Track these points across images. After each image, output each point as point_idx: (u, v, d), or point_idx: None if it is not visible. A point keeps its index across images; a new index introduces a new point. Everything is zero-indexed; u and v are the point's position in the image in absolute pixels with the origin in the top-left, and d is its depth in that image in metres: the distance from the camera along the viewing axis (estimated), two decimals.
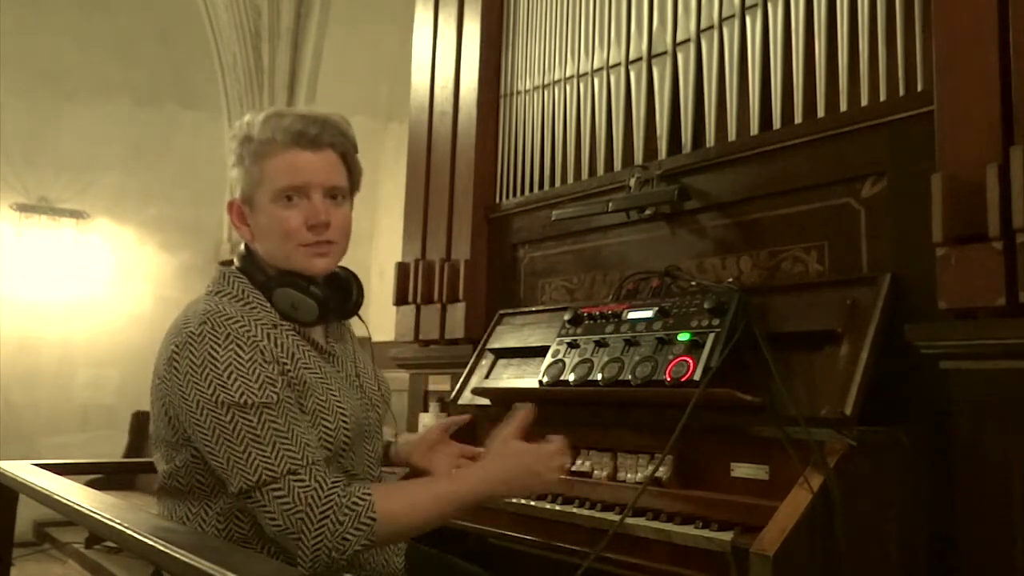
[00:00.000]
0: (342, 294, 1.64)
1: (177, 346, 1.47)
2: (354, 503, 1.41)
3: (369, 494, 1.43)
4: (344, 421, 1.54)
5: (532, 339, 2.24)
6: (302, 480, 1.41)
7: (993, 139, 1.54)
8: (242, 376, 1.42)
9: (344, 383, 1.61)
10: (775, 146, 1.95)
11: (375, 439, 1.68)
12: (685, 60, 2.20)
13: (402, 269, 2.91)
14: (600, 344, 1.93)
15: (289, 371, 1.49)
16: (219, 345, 1.43)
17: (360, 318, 1.73)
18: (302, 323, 1.56)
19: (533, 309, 2.40)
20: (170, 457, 1.54)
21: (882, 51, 1.81)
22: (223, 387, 1.41)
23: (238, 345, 1.44)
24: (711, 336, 1.73)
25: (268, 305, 1.54)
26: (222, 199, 7.45)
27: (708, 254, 2.09)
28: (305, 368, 1.52)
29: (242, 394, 1.41)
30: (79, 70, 6.83)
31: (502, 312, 2.46)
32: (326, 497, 1.40)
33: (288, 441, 1.43)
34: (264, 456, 1.40)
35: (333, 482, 1.43)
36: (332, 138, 1.57)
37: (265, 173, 1.54)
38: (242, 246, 1.64)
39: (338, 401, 1.55)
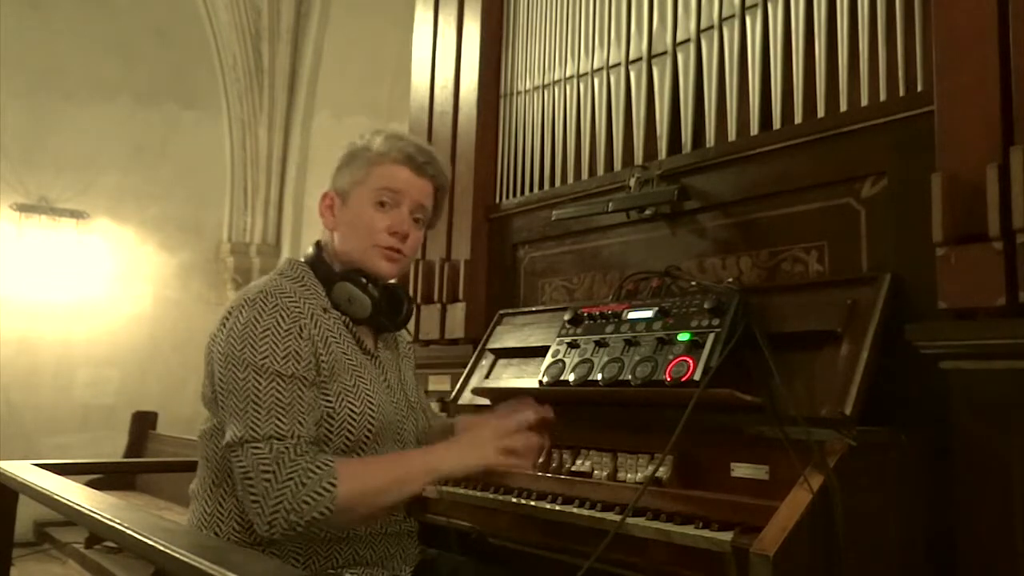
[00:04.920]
0: (395, 306, 1.77)
1: (232, 308, 1.61)
2: (317, 467, 1.47)
3: (331, 461, 1.49)
4: (371, 411, 1.63)
5: (532, 339, 2.24)
6: (285, 446, 1.48)
7: (993, 139, 1.54)
8: (272, 343, 1.54)
9: (381, 382, 1.70)
10: (775, 146, 1.95)
11: (408, 448, 1.74)
12: (685, 60, 2.20)
13: None
14: (600, 344, 1.93)
15: (321, 353, 1.59)
16: (265, 312, 1.56)
17: (407, 330, 1.87)
18: (354, 318, 1.69)
19: (533, 309, 2.40)
20: (210, 417, 1.64)
21: (882, 51, 1.81)
22: (252, 348, 1.53)
23: (281, 316, 1.56)
24: (711, 336, 1.73)
25: (324, 294, 1.67)
26: (222, 199, 7.48)
27: (708, 254, 2.09)
28: (341, 353, 1.63)
29: (264, 358, 1.53)
30: (79, 70, 6.83)
31: (502, 312, 2.46)
32: (293, 463, 1.46)
33: (283, 412, 1.51)
34: (257, 416, 1.50)
35: (305, 452, 1.49)
36: (434, 171, 1.76)
37: (370, 176, 1.71)
38: (310, 248, 1.77)
39: (368, 392, 1.64)
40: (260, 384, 1.51)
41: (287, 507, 1.43)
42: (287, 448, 1.48)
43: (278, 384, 1.52)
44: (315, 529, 1.48)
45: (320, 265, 1.72)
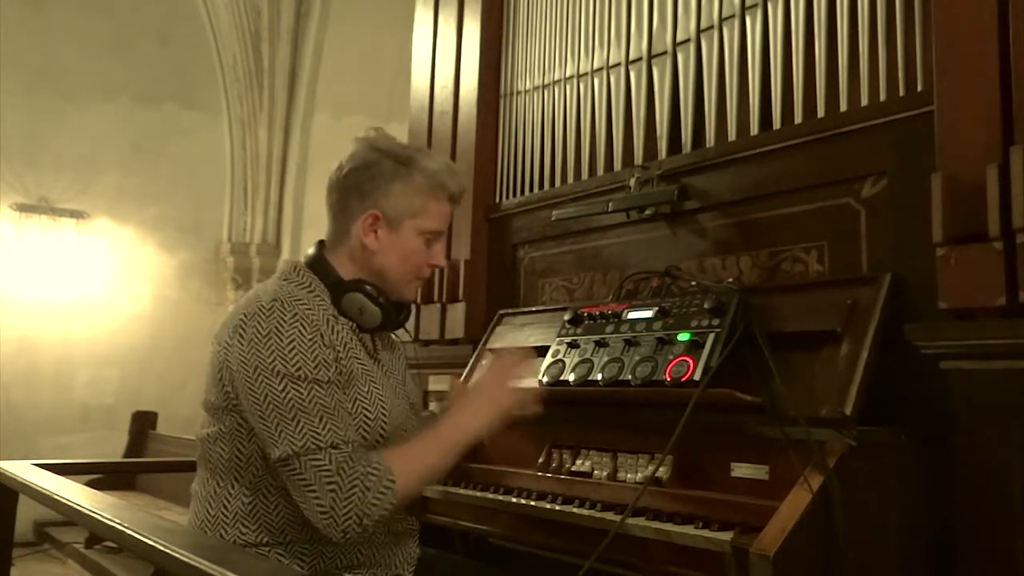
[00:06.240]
0: (397, 307, 1.76)
1: (246, 316, 1.58)
2: (375, 469, 1.52)
3: (384, 460, 1.54)
4: (384, 414, 1.64)
5: (532, 339, 2.24)
6: (344, 453, 1.51)
7: (993, 139, 1.54)
8: (301, 352, 1.53)
9: (388, 385, 1.71)
10: (775, 146, 1.95)
11: None
12: (685, 60, 2.20)
13: None
14: (600, 344, 1.93)
15: (341, 359, 1.60)
16: (285, 321, 1.55)
17: (406, 329, 1.86)
18: (363, 327, 1.69)
19: (533, 309, 2.40)
20: (215, 422, 1.63)
21: (882, 51, 1.81)
22: (282, 358, 1.52)
23: (302, 324, 1.56)
24: (711, 336, 1.73)
25: (329, 301, 1.67)
26: (222, 199, 7.47)
27: (708, 254, 2.09)
28: (355, 359, 1.64)
29: (298, 368, 1.52)
30: (79, 70, 6.83)
31: (502, 312, 2.46)
32: (352, 470, 1.50)
33: (334, 417, 1.53)
34: (312, 426, 1.51)
35: (361, 456, 1.53)
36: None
37: (426, 210, 1.72)
38: (311, 249, 1.75)
39: (381, 396, 1.65)
40: (301, 393, 1.51)
41: (358, 513, 1.48)
42: (345, 456, 1.50)
43: (318, 391, 1.52)
44: (381, 524, 1.55)
45: (327, 272, 1.69)
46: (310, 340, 1.55)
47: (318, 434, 1.50)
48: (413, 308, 2.83)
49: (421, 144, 2.93)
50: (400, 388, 1.77)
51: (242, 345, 1.55)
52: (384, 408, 1.64)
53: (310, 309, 1.59)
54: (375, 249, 1.70)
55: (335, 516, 1.47)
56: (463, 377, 2.36)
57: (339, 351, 1.60)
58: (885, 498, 1.54)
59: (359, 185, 1.70)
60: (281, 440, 1.50)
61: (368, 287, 1.68)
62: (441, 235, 1.78)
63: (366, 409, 1.61)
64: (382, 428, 1.63)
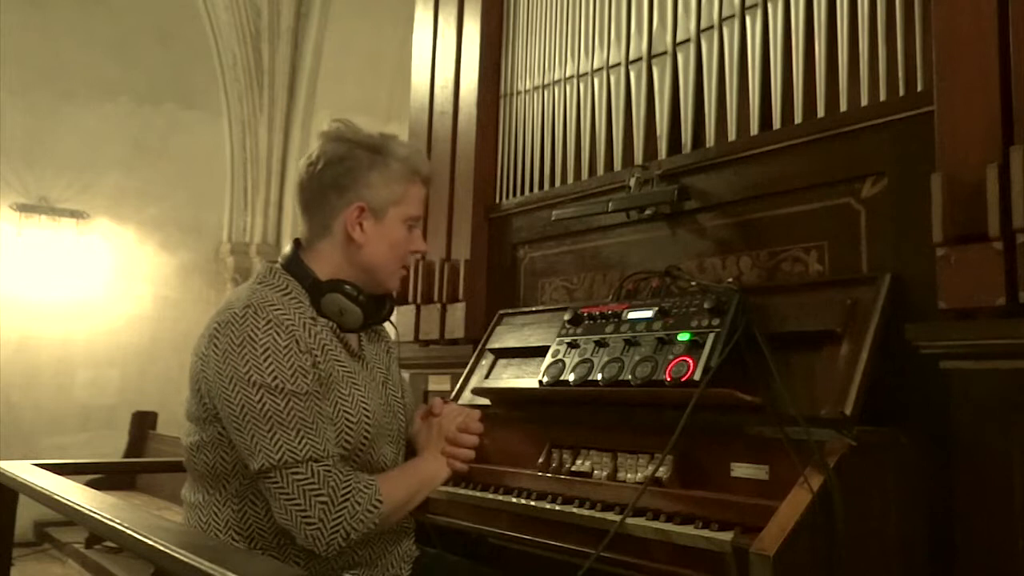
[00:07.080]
0: (378, 303, 1.74)
1: (219, 325, 1.55)
2: (366, 487, 1.53)
3: (374, 481, 1.56)
4: (366, 417, 1.62)
5: (532, 339, 2.24)
6: (326, 467, 1.50)
7: (993, 139, 1.54)
8: (277, 361, 1.50)
9: (371, 384, 1.69)
10: (775, 146, 1.95)
11: (399, 444, 1.74)
12: (685, 60, 2.20)
13: None
14: (600, 344, 1.93)
15: (319, 363, 1.56)
16: (259, 328, 1.52)
17: (392, 323, 1.83)
18: (344, 328, 1.66)
19: (533, 309, 2.40)
20: (197, 432, 1.62)
21: (882, 51, 1.81)
22: (257, 368, 1.49)
23: (277, 331, 1.52)
24: (711, 336, 1.73)
25: (309, 303, 1.63)
26: (222, 199, 7.47)
27: (708, 254, 2.09)
28: (336, 361, 1.61)
29: (275, 378, 1.49)
30: (79, 70, 6.84)
31: (502, 312, 2.46)
32: (344, 483, 1.50)
33: (312, 431, 1.51)
34: (288, 439, 1.49)
35: (348, 471, 1.54)
36: None
37: (407, 196, 1.71)
38: (287, 248, 1.71)
39: (363, 398, 1.63)
40: (279, 404, 1.48)
41: (347, 526, 1.49)
42: (328, 469, 1.50)
43: (296, 403, 1.49)
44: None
45: (304, 273, 1.65)
46: (285, 347, 1.51)
47: (294, 448, 1.48)
48: (414, 308, 2.84)
49: (421, 144, 2.94)
50: (386, 382, 1.74)
51: (217, 355, 1.52)
52: (367, 410, 1.61)
53: (285, 314, 1.55)
54: (362, 242, 1.66)
55: (323, 528, 1.47)
56: (462, 378, 2.36)
57: (317, 356, 1.56)
58: (885, 498, 1.54)
59: (337, 179, 1.66)
60: (258, 452, 1.48)
61: (347, 287, 1.64)
62: (420, 220, 1.76)
63: (348, 413, 1.59)
64: (365, 430, 1.60)
